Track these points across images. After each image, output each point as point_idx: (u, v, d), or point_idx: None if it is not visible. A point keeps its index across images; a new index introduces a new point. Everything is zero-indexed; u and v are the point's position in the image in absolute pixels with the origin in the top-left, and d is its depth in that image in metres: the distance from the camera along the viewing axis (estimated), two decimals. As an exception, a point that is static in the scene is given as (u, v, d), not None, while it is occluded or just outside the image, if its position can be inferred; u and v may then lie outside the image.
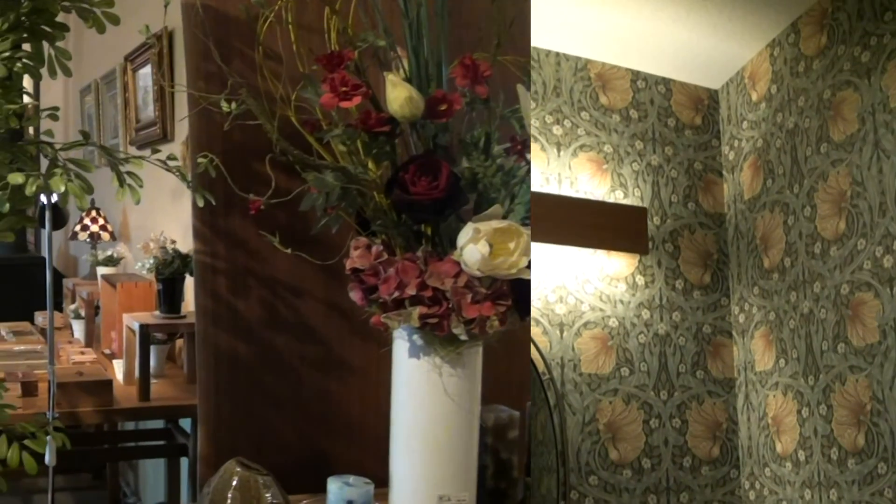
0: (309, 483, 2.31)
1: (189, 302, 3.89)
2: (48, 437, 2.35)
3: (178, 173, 2.06)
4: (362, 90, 1.82)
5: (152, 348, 3.75)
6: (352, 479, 2.07)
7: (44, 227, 3.18)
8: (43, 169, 2.15)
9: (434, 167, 1.84)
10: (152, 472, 4.74)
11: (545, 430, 3.17)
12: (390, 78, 1.84)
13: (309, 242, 2.16)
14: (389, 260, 1.94)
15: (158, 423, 4.33)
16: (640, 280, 3.63)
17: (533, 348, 3.24)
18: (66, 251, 7.10)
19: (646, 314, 3.60)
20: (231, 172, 2.16)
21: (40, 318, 5.25)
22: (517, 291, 1.95)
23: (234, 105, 1.99)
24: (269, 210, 2.08)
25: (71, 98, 6.67)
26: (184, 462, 4.01)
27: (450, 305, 1.91)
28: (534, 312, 3.33)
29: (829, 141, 3.69)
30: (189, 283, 3.73)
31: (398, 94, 1.84)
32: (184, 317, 3.74)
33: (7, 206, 2.04)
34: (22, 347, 4.54)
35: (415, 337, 2.01)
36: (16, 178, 2.02)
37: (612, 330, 3.51)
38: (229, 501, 2.15)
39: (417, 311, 1.91)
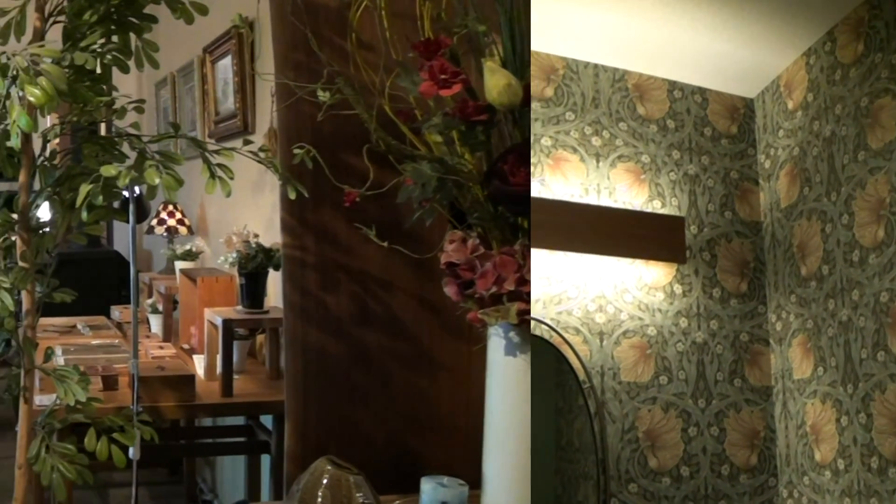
0: (397, 483, 2.31)
1: (271, 297, 3.92)
2: (136, 431, 2.38)
3: (270, 165, 2.06)
4: (461, 78, 1.80)
5: (234, 343, 3.77)
6: (446, 479, 2.05)
7: (127, 221, 3.21)
8: (130, 162, 2.17)
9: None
10: (230, 469, 4.79)
11: (581, 437, 3.22)
12: (489, 65, 1.82)
13: (400, 236, 2.16)
14: (486, 254, 1.92)
15: (238, 420, 4.37)
16: (677, 289, 3.66)
17: (573, 357, 3.30)
18: (140, 246, 7.21)
19: (684, 322, 3.63)
20: (322, 161, 2.17)
21: (116, 312, 5.33)
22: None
23: (328, 95, 1.98)
24: (360, 204, 2.07)
25: (145, 92, 6.76)
26: (264, 460, 4.04)
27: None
28: (574, 322, 3.41)
29: (866, 149, 3.64)
30: (272, 277, 3.75)
31: (497, 82, 1.81)
32: (266, 312, 3.76)
33: (100, 198, 2.06)
34: (99, 341, 4.62)
35: (511, 334, 1.98)
36: (108, 171, 2.04)
37: (651, 339, 3.55)
38: (320, 500, 2.16)
39: (516, 306, 1.89)
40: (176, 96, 5.98)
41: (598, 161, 3.62)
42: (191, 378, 3.56)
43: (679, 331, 3.62)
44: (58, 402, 2.40)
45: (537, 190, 3.46)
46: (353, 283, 2.38)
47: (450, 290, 2.03)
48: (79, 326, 5.10)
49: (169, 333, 4.76)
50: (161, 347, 4.33)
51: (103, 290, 6.43)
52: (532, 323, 3.22)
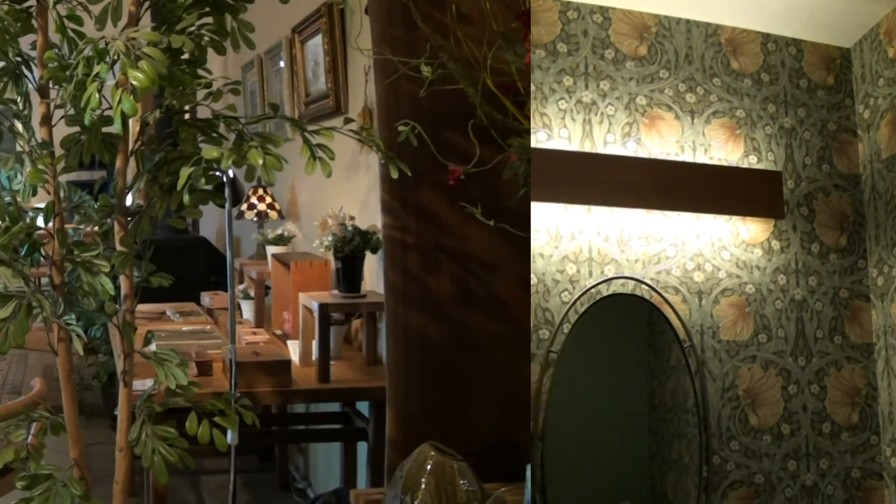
0: (501, 470, 2.32)
1: (368, 281, 3.95)
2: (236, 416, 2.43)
3: (372, 144, 2.09)
4: (569, 52, 1.80)
5: (330, 329, 3.80)
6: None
7: (223, 204, 3.27)
8: (228, 144, 2.21)
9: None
10: (323, 457, 4.86)
11: (674, 397, 3.27)
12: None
13: (504, 216, 2.17)
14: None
15: (334, 407, 4.43)
16: (775, 245, 3.68)
17: (673, 316, 3.33)
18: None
19: (782, 279, 3.64)
20: (422, 142, 2.19)
21: (206, 298, 5.43)
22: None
23: (430, 70, 2.00)
24: (462, 183, 2.09)
25: (231, 75, 6.86)
26: (361, 447, 4.08)
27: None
28: (672, 281, 3.46)
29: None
30: (368, 261, 3.79)
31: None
32: (364, 296, 3.79)
33: (202, 181, 2.11)
34: (190, 328, 4.72)
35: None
36: (210, 153, 2.09)
37: (749, 296, 3.58)
38: (423, 486, 2.19)
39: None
40: (263, 79, 6.06)
41: (692, 118, 3.62)
42: (287, 363, 3.61)
43: (777, 288, 3.63)
44: (156, 386, 2.47)
45: (633, 149, 3.46)
46: (455, 264, 2.40)
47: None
48: (168, 313, 5.21)
49: (261, 319, 4.83)
50: (254, 333, 4.40)
51: (192, 277, 6.55)
52: (631, 283, 3.27)
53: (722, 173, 3.57)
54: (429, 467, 2.20)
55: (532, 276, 2.96)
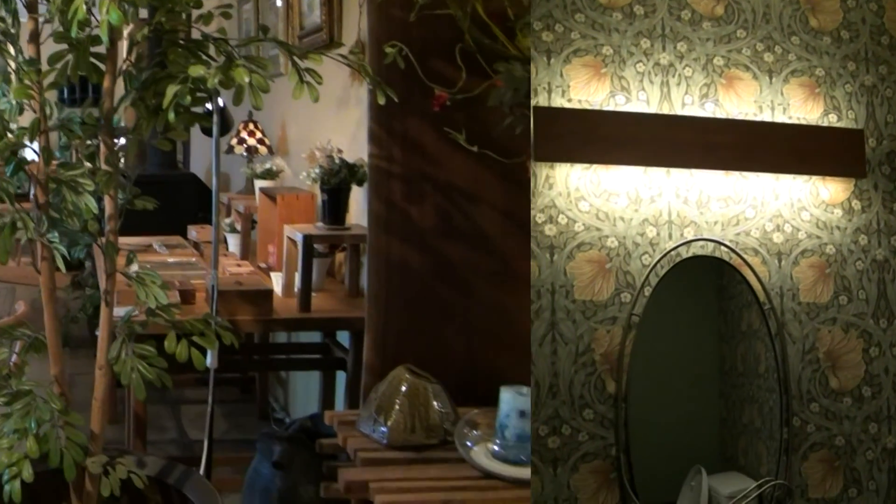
0: (476, 396, 2.34)
1: (353, 214, 3.95)
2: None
3: (360, 68, 2.08)
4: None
5: (313, 261, 3.81)
6: (525, 389, 2.09)
7: (210, 130, 3.26)
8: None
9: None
10: (303, 388, 4.88)
11: (746, 362, 3.26)
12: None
13: (489, 145, 2.16)
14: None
15: (314, 338, 4.45)
16: (856, 205, 3.62)
17: (753, 277, 3.27)
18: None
19: (863, 240, 3.60)
20: (410, 68, 2.18)
21: (192, 232, 5.43)
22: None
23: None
24: (448, 111, 2.09)
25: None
26: (339, 377, 4.11)
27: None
28: (752, 242, 3.39)
29: None
30: (354, 194, 3.78)
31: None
32: (348, 228, 3.79)
33: (188, 98, 2.10)
34: (175, 259, 4.72)
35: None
36: (196, 70, 2.08)
37: (830, 257, 3.54)
38: (397, 407, 2.21)
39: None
40: (258, 11, 6.02)
41: (770, 78, 3.59)
42: (268, 293, 3.62)
43: (858, 248, 3.59)
44: (136, 310, 2.48)
45: (711, 111, 3.44)
46: (439, 194, 2.41)
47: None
48: (155, 245, 5.20)
49: (246, 252, 4.84)
50: (238, 265, 4.41)
51: (180, 212, 6.52)
52: (711, 245, 3.24)
53: (801, 133, 3.54)
54: (403, 389, 2.22)
55: (613, 239, 2.97)
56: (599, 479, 2.81)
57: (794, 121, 3.57)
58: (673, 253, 3.12)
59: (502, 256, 2.44)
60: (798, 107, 3.61)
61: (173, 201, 6.61)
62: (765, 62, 3.60)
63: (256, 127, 5.52)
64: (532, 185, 2.71)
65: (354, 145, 3.95)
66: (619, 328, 2.93)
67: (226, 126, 5.03)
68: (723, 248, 3.27)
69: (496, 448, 2.12)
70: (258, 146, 5.51)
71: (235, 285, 3.67)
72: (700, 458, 3.00)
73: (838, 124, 3.65)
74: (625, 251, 3.04)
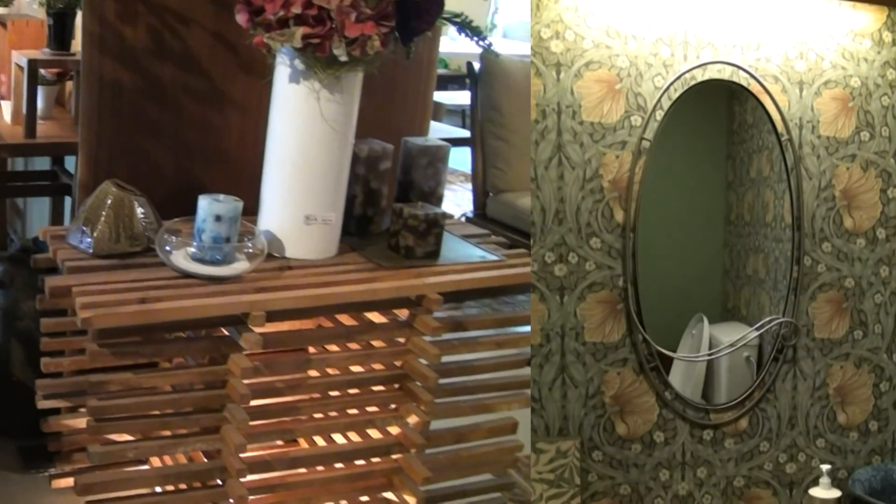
0: (184, 209, 2.44)
1: (79, 41, 3.88)
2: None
3: None
4: None
5: (40, 89, 3.75)
6: (221, 196, 2.22)
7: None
8: None
9: None
10: (38, 215, 4.82)
11: (752, 211, 3.15)
12: None
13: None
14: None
15: (44, 164, 4.39)
16: (886, 36, 3.31)
17: (773, 107, 3.05)
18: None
19: (891, 74, 3.32)
20: None
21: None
22: (403, 14, 2.05)
23: None
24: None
25: None
26: (67, 201, 4.10)
27: (333, 25, 2.01)
28: (772, 69, 3.09)
29: None
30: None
31: None
32: (73, 55, 3.72)
33: None
34: None
35: (296, 61, 2.12)
36: None
37: (854, 90, 3.25)
38: (103, 218, 2.30)
39: (300, 30, 2.01)
40: None
41: None
42: (-7, 118, 3.57)
43: (885, 83, 3.31)
44: None
45: None
46: (152, 14, 2.45)
47: (241, 18, 2.14)
48: None
49: (-22, 85, 4.68)
50: (-33, 95, 4.28)
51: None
52: (729, 69, 2.97)
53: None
54: (108, 201, 2.30)
55: (624, 58, 2.76)
56: (606, 309, 2.72)
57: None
58: (687, 76, 2.88)
59: (211, 77, 2.51)
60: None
61: None
62: None
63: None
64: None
65: (83, -29, 3.87)
66: (629, 153, 2.76)
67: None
68: (741, 72, 3.00)
69: (193, 251, 2.24)
70: (-7, -27, 5.26)
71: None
72: (702, 308, 2.95)
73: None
74: (636, 71, 2.81)
